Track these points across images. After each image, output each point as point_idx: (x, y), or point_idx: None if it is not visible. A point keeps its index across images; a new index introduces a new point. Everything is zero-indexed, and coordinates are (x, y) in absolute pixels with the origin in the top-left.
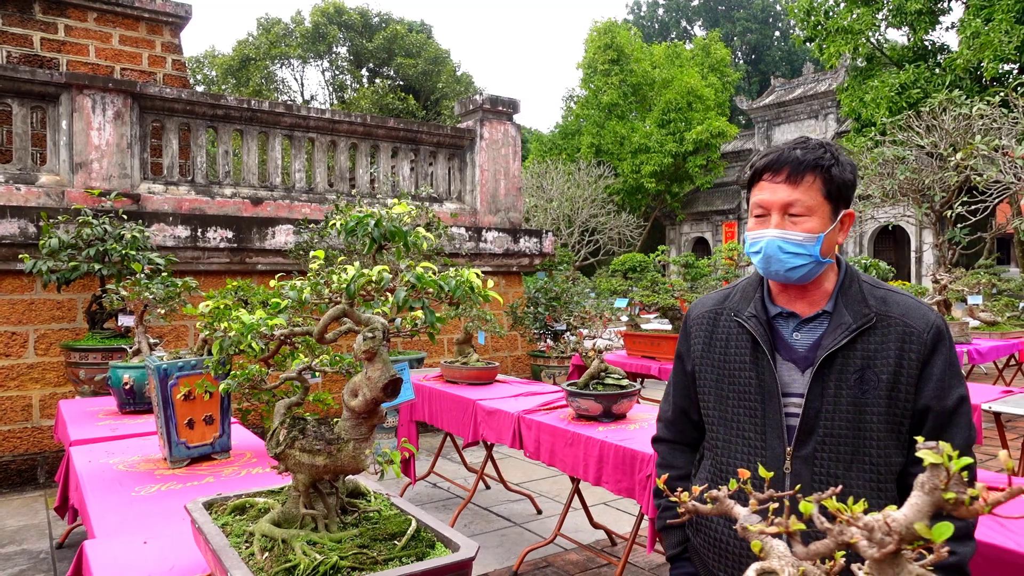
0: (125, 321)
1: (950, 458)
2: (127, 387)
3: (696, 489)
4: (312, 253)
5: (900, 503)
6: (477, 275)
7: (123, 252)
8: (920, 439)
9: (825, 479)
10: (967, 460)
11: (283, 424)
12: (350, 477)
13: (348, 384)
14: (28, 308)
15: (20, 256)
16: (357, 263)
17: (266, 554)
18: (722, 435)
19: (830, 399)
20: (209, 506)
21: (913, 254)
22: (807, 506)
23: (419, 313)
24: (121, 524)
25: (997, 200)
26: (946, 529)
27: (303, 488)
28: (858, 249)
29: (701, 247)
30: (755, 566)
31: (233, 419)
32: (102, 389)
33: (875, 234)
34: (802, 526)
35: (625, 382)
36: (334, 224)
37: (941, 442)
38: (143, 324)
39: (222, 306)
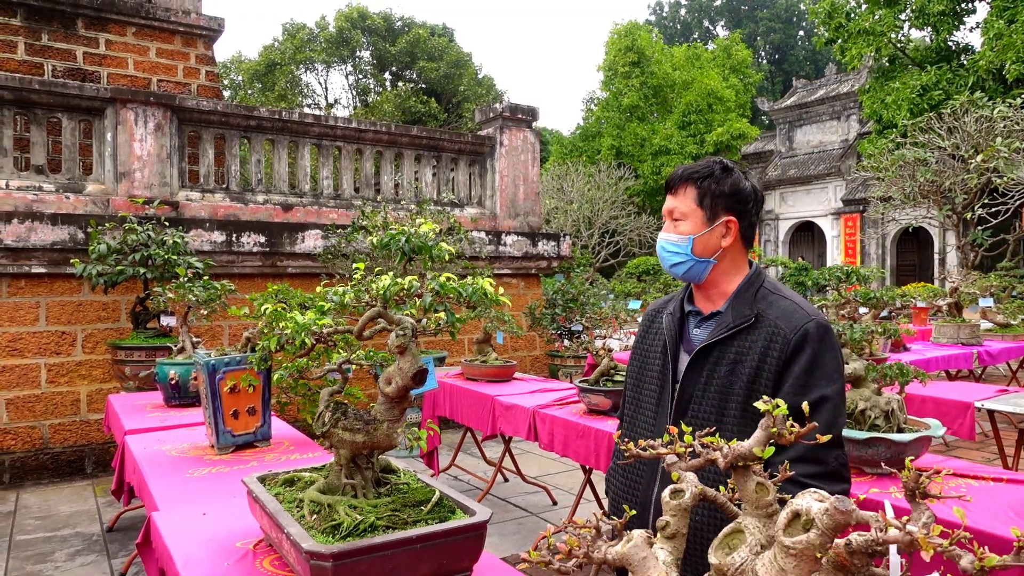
0: (167, 321)
1: (776, 407)
2: (173, 382)
3: (643, 442)
4: (355, 265)
5: None
6: (491, 283)
7: (165, 257)
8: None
9: None
10: (783, 410)
11: (328, 408)
12: (383, 456)
13: (383, 374)
14: (76, 309)
15: (71, 260)
16: (391, 273)
17: (314, 516)
18: (631, 413)
19: (700, 386)
20: (262, 480)
21: (936, 256)
22: (689, 438)
23: (442, 315)
24: (180, 500)
25: (1019, 202)
26: (770, 450)
27: (345, 461)
28: (880, 251)
29: None
30: (670, 488)
31: (272, 412)
32: (146, 385)
33: (898, 235)
34: (680, 449)
35: None
36: (369, 239)
37: (775, 399)
38: (187, 324)
39: (279, 308)
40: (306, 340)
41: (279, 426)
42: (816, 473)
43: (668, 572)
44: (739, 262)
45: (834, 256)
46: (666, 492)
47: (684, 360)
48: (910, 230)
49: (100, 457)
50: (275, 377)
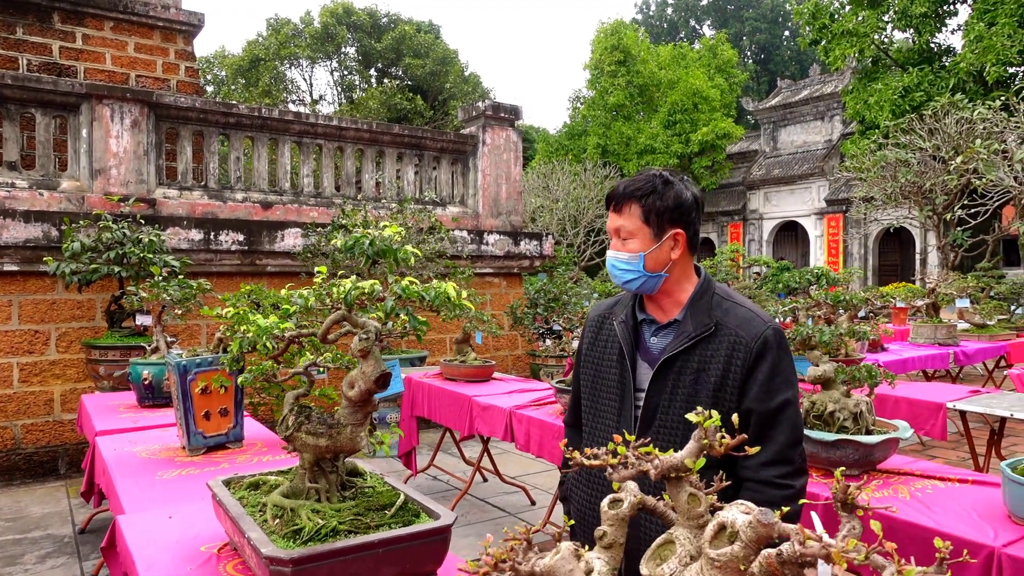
0: (143, 320)
1: (707, 419)
2: (146, 382)
3: (589, 451)
4: (317, 268)
5: (734, 495)
6: (454, 287)
7: (140, 255)
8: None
9: None
10: (715, 421)
11: (292, 411)
12: (349, 459)
13: (346, 377)
14: (50, 308)
15: (44, 258)
16: (354, 276)
17: (277, 520)
18: (591, 423)
19: (667, 396)
20: (227, 483)
21: (918, 256)
22: (622, 449)
23: (405, 317)
24: (147, 502)
25: (997, 203)
26: (701, 462)
27: (308, 465)
28: (863, 251)
29: (706, 248)
30: (609, 497)
31: (245, 413)
32: (121, 384)
33: (880, 236)
34: (614, 460)
35: None
36: (333, 241)
37: (706, 410)
38: (161, 323)
39: (241, 311)
40: (267, 344)
41: (252, 427)
42: (787, 472)
43: None
44: (688, 271)
45: (817, 256)
46: (605, 501)
47: (643, 369)
48: (891, 230)
49: (74, 458)
50: (239, 380)
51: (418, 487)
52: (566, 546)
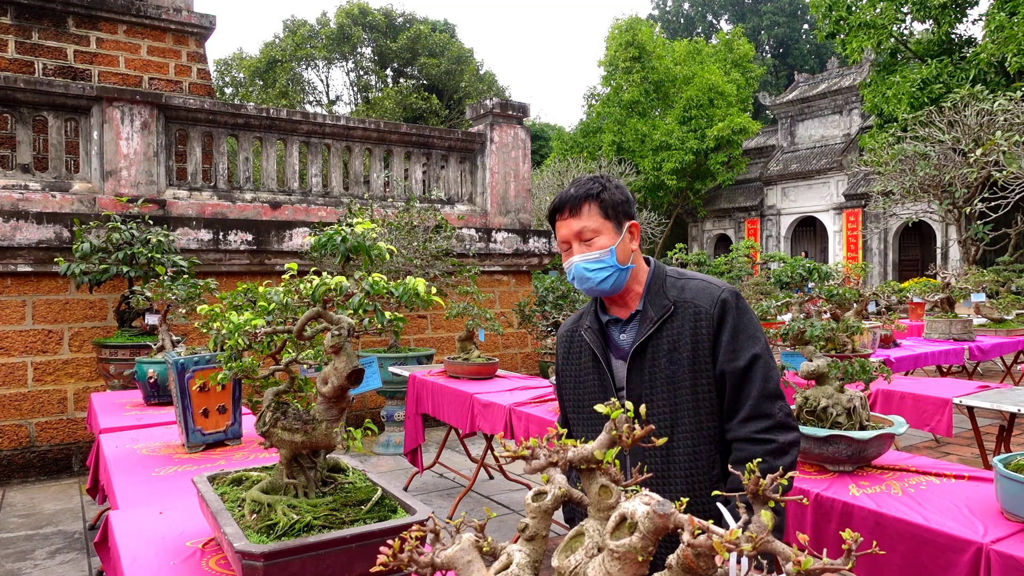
0: (151, 320)
1: (616, 409)
2: (151, 380)
3: (508, 448)
4: (287, 265)
5: (723, 463)
6: (423, 283)
7: (149, 255)
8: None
9: (651, 453)
10: (619, 412)
11: (269, 408)
12: (331, 455)
13: (320, 374)
14: (63, 308)
15: (55, 259)
16: (324, 273)
17: (254, 515)
18: (581, 433)
19: (647, 385)
20: (212, 479)
21: (938, 250)
22: (534, 440)
23: (388, 314)
24: (141, 499)
25: (1019, 195)
26: (611, 453)
27: (286, 461)
28: (883, 246)
29: (723, 244)
30: (533, 490)
31: (245, 411)
32: (130, 383)
33: (900, 230)
34: (527, 452)
35: None
36: (306, 239)
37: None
38: (166, 322)
39: (215, 309)
40: (239, 341)
41: (251, 424)
42: (766, 427)
43: (522, 574)
44: (640, 262)
45: (836, 251)
46: (528, 494)
47: (619, 367)
48: (911, 225)
49: (87, 455)
50: (219, 376)
51: (424, 484)
52: (467, 537)
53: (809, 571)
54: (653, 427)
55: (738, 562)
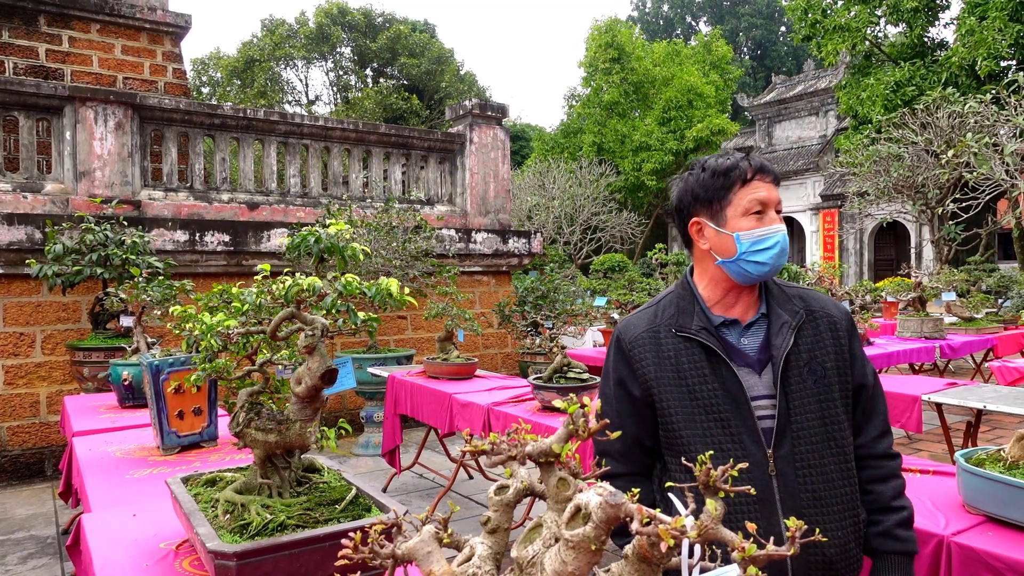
0: (126, 322)
1: (572, 403)
2: (126, 383)
3: (471, 442)
4: (260, 266)
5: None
6: (396, 283)
7: (123, 256)
8: None
9: (807, 471)
10: (576, 406)
11: (243, 408)
12: (306, 455)
13: (294, 374)
14: (35, 310)
15: (27, 261)
16: (298, 274)
17: (227, 515)
18: (699, 451)
19: (795, 396)
20: (186, 480)
21: (912, 250)
22: (494, 436)
23: (362, 314)
24: (115, 501)
25: (988, 196)
26: (568, 447)
27: (260, 461)
28: (859, 246)
29: None
30: (496, 484)
31: (221, 412)
32: (104, 386)
33: (875, 230)
34: (487, 447)
35: (585, 375)
36: (279, 240)
37: (574, 396)
38: (141, 324)
39: (187, 309)
40: (212, 342)
41: (228, 426)
42: (892, 442)
43: (483, 565)
44: None
45: (813, 251)
46: (491, 488)
47: (744, 374)
48: (886, 225)
49: (60, 459)
50: (193, 378)
51: (404, 485)
52: (427, 529)
53: (754, 557)
54: (608, 421)
55: (691, 552)
